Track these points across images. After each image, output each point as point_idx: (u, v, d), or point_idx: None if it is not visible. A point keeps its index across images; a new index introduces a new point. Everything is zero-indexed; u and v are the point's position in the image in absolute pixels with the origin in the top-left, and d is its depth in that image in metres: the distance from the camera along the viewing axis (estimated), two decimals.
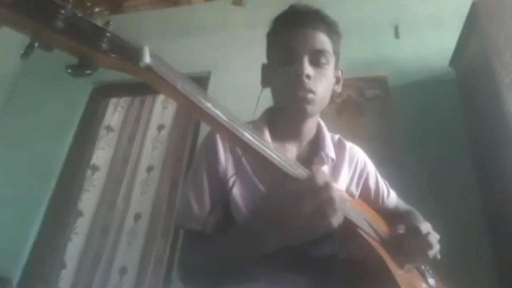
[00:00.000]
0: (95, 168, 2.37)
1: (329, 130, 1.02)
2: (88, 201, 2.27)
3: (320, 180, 0.57)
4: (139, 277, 2.01)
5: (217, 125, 0.54)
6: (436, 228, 0.85)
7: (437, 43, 2.00)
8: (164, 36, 2.54)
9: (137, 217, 2.17)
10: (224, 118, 0.54)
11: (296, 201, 0.57)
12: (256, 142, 0.57)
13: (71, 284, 2.06)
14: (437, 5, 2.15)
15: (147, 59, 0.44)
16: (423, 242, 0.80)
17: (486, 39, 1.50)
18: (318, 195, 0.56)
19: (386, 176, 1.11)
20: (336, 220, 0.57)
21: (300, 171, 0.62)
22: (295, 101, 0.83)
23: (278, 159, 0.59)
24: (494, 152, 1.49)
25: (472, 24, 1.61)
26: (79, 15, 0.40)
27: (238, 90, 1.88)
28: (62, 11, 0.38)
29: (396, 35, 2.15)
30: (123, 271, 2.04)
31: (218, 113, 0.53)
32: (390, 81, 2.01)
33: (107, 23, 0.42)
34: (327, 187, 0.57)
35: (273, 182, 0.77)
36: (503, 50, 1.45)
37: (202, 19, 2.62)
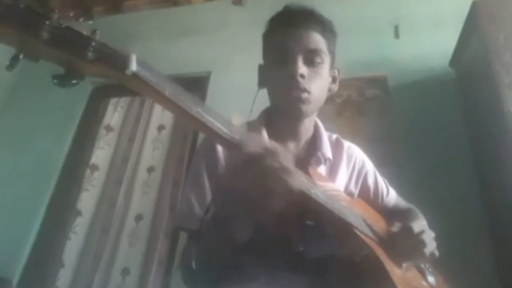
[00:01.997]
0: (94, 168, 2.37)
1: (329, 130, 1.02)
2: (87, 201, 2.27)
3: (251, 150, 0.52)
4: (142, 278, 2.01)
5: (207, 130, 0.53)
6: (436, 227, 0.85)
7: (437, 43, 1.99)
8: (164, 36, 2.54)
9: (139, 218, 2.17)
10: (216, 123, 0.53)
11: (239, 172, 0.54)
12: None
13: (70, 284, 2.05)
14: (437, 5, 2.14)
15: (133, 66, 0.44)
16: (416, 241, 0.81)
17: (486, 39, 1.50)
18: (258, 162, 0.52)
19: (386, 176, 1.11)
20: (279, 187, 0.52)
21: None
22: (290, 101, 0.84)
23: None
24: (494, 151, 1.49)
25: (472, 24, 1.60)
26: (64, 25, 0.39)
27: (238, 90, 1.88)
28: (47, 22, 0.38)
29: (396, 35, 2.14)
30: (125, 272, 2.04)
31: (209, 118, 0.52)
32: (390, 81, 2.01)
33: (94, 31, 0.42)
34: (267, 152, 0.53)
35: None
36: (503, 50, 1.45)
37: (202, 19, 2.62)
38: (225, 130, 0.53)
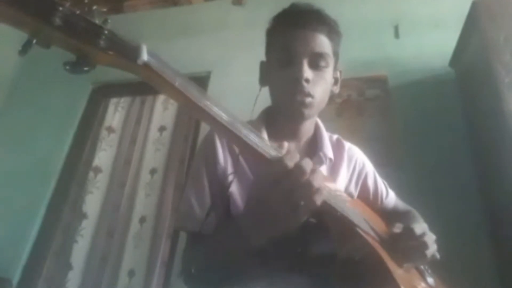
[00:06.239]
0: (97, 170, 2.37)
1: (329, 130, 1.01)
2: (92, 203, 2.27)
3: (289, 161, 0.55)
4: (147, 279, 2.02)
5: (215, 123, 0.54)
6: (436, 228, 0.85)
7: (437, 43, 1.99)
8: (164, 36, 2.54)
9: (142, 220, 2.18)
10: (223, 116, 0.53)
11: (268, 187, 0.56)
12: (254, 140, 0.57)
13: (79, 286, 2.06)
14: (437, 5, 2.14)
15: (144, 56, 0.45)
16: (418, 243, 0.80)
17: (486, 39, 1.50)
18: (287, 179, 0.55)
19: (385, 176, 1.11)
20: (310, 204, 0.55)
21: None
22: (293, 105, 0.83)
23: (273, 155, 0.58)
24: (494, 151, 1.49)
25: (472, 24, 1.61)
26: (77, 12, 0.40)
27: (238, 90, 1.87)
28: (60, 9, 0.38)
29: (396, 35, 2.15)
30: (131, 273, 2.05)
31: (216, 111, 0.53)
32: (390, 81, 2.01)
33: (105, 21, 0.43)
34: (297, 169, 0.55)
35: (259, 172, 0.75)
36: (503, 50, 1.45)
37: (202, 19, 2.62)
38: (230, 122, 0.54)
